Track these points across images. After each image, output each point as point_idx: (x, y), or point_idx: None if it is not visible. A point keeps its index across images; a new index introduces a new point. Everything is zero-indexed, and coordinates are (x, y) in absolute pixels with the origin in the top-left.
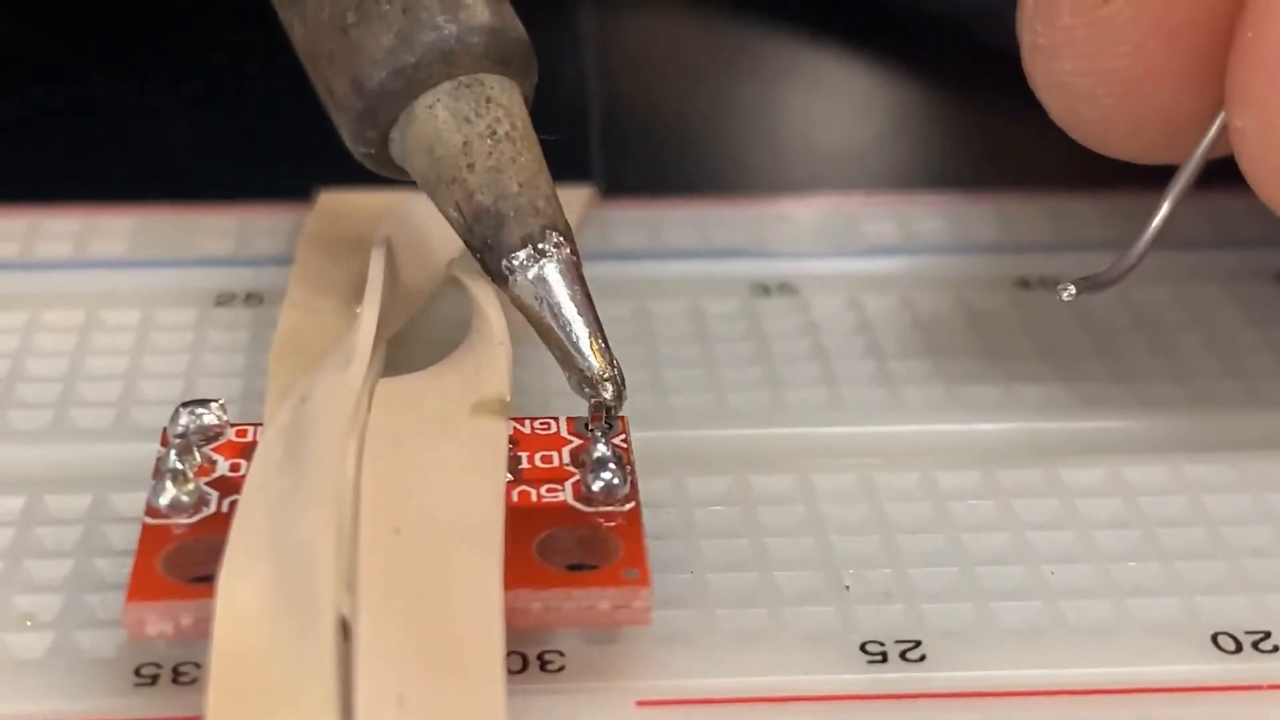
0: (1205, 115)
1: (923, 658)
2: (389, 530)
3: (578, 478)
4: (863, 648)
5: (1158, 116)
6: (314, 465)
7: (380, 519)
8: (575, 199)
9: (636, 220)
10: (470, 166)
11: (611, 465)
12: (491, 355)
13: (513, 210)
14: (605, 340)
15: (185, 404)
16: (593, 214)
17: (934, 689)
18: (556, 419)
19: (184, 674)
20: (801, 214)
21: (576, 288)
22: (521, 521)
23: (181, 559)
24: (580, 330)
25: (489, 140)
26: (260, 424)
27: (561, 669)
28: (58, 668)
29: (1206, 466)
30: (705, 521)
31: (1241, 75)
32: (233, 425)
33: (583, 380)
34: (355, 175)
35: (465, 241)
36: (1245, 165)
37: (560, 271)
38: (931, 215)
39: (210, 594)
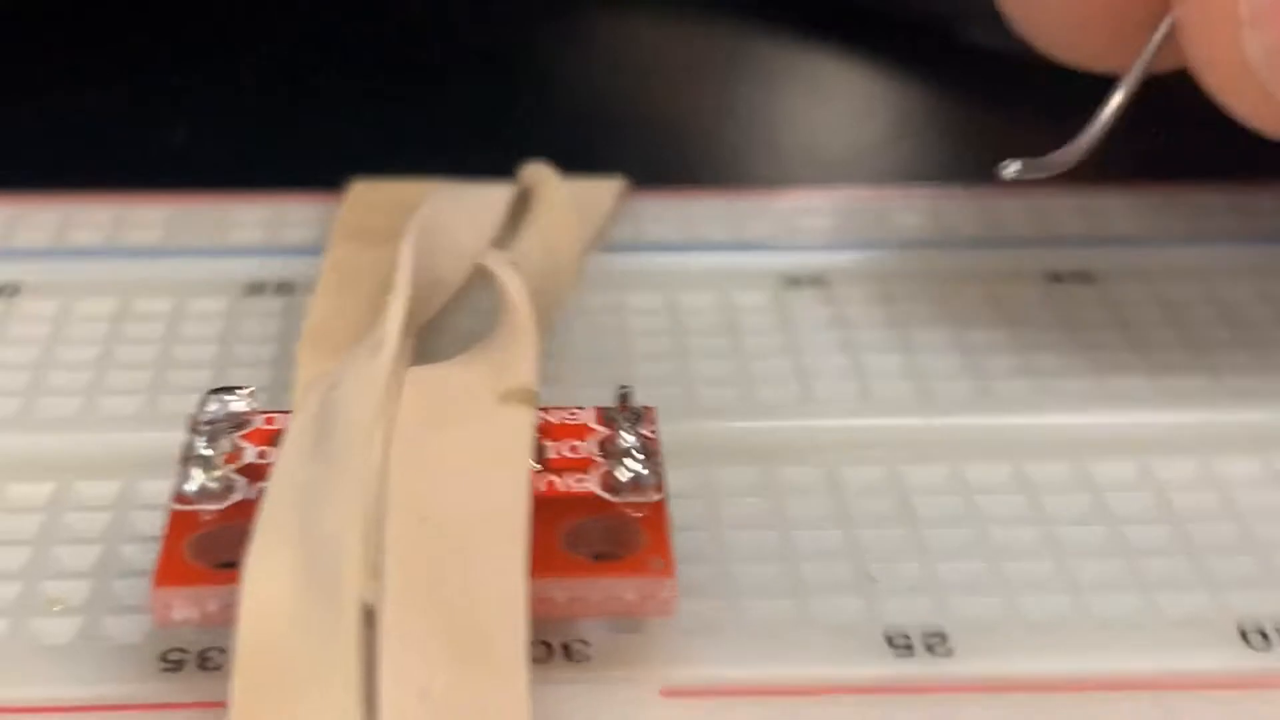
0: (1155, 16)
1: (949, 650)
2: (415, 519)
3: (606, 468)
4: (888, 639)
5: (1107, 15)
6: (342, 453)
7: (407, 507)
8: (606, 191)
9: (667, 211)
10: None
11: (639, 456)
12: (519, 345)
13: None
14: None
15: (213, 391)
16: (624, 205)
17: (960, 681)
18: (584, 409)
19: (210, 660)
20: (830, 206)
21: None
22: (548, 511)
23: (208, 545)
24: None
25: None
26: (289, 412)
27: (587, 658)
28: (85, 653)
29: (1235, 460)
30: (732, 513)
31: None
32: (261, 412)
33: None
34: (386, 165)
35: None
36: (1189, 56)
37: None
38: (962, 208)
39: (237, 580)
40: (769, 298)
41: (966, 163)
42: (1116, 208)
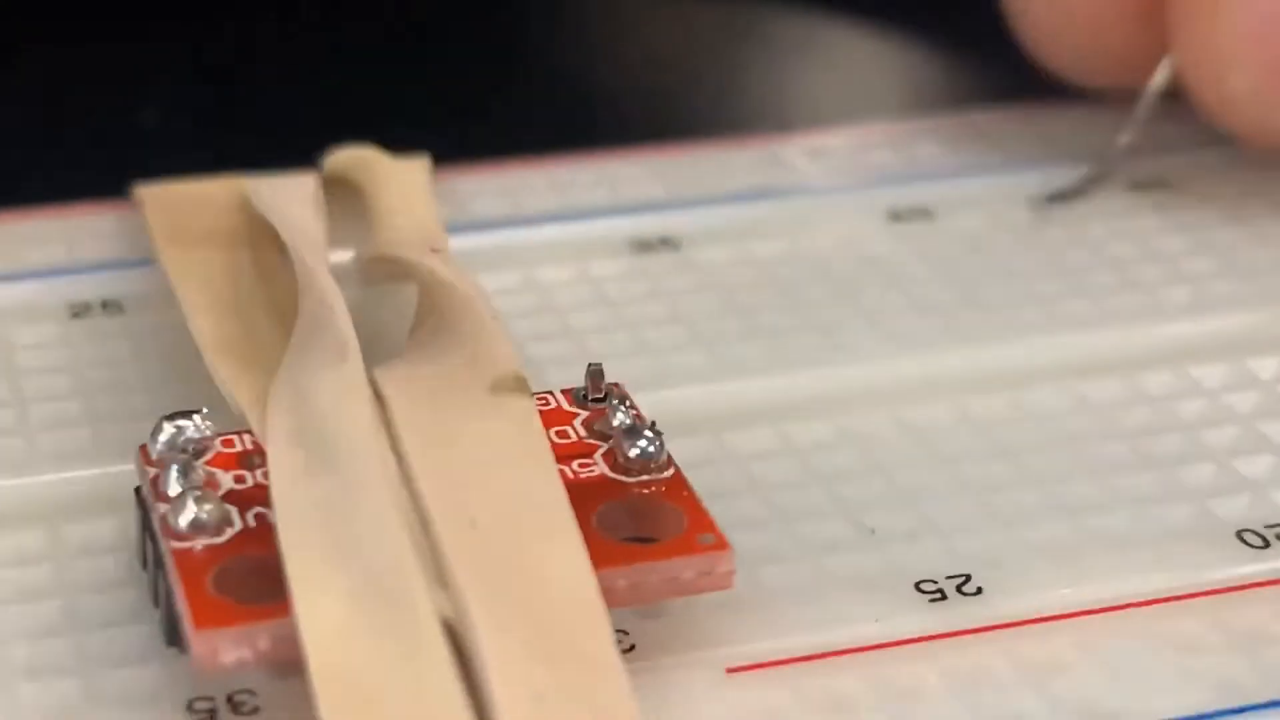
0: (1161, 49)
1: (979, 590)
2: (464, 525)
3: (604, 448)
4: (918, 587)
5: (1115, 52)
6: (355, 467)
7: (452, 514)
8: (421, 170)
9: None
10: None
11: (647, 432)
12: (487, 332)
13: None
14: None
15: (167, 418)
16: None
17: (1002, 619)
18: (551, 393)
19: (243, 704)
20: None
21: None
22: (572, 500)
23: (229, 581)
24: None
25: None
26: (244, 431)
27: (632, 648)
28: (105, 716)
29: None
30: (712, 483)
31: (1170, 13)
32: (217, 435)
33: None
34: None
35: None
36: (1188, 89)
37: None
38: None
39: (285, 613)
40: (624, 265)
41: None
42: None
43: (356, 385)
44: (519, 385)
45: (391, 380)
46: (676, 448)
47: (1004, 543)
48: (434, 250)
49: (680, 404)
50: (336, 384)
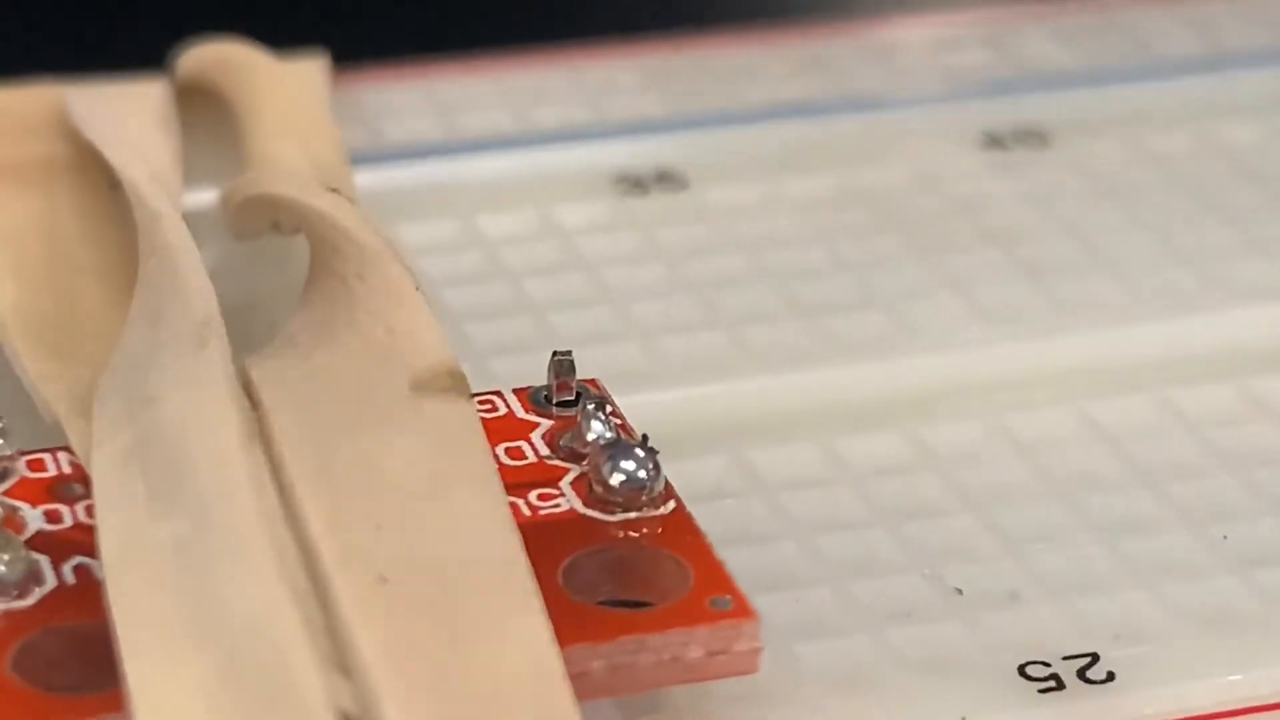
0: None
1: (1109, 675)
2: (371, 581)
3: (576, 473)
4: (1022, 672)
5: None
6: (217, 501)
7: (355, 568)
8: (315, 73)
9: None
10: None
11: (637, 450)
12: (407, 306)
13: None
14: None
15: None
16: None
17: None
18: (499, 393)
19: None
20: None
21: None
22: (529, 547)
23: (35, 660)
24: None
25: None
26: (60, 448)
27: None
28: None
29: None
30: (724, 515)
31: None
32: (22, 454)
33: None
34: None
35: None
36: None
37: None
38: None
39: (115, 706)
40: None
41: None
42: None
43: (219, 382)
44: (452, 382)
45: (270, 375)
46: (678, 472)
47: (1146, 608)
48: (332, 190)
49: (684, 409)
50: (191, 381)
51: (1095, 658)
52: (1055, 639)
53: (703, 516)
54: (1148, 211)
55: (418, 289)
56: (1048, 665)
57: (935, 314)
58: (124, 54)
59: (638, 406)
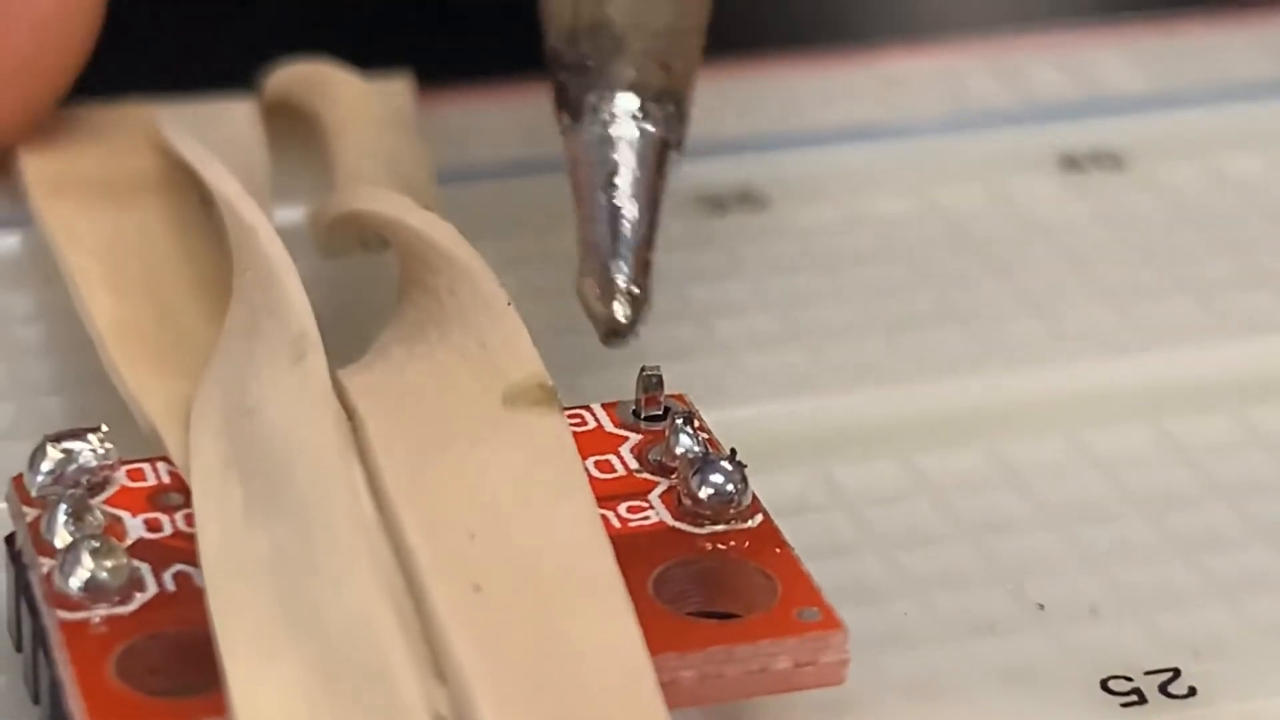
0: None
1: (1191, 690)
2: (466, 590)
3: (664, 486)
4: (1105, 686)
5: None
6: (315, 510)
7: (450, 576)
8: (400, 94)
9: None
10: None
11: (724, 464)
12: (499, 321)
13: (641, 48)
14: (649, 252)
15: (51, 438)
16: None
17: None
18: (590, 407)
19: None
20: None
21: (654, 178)
22: (620, 558)
23: (137, 665)
24: (626, 224)
25: None
26: (159, 458)
27: None
28: None
29: None
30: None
31: None
32: (124, 464)
33: (595, 287)
34: None
35: (550, 50)
36: None
37: (647, 147)
38: None
39: (217, 711)
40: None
41: None
42: None
43: (316, 394)
44: (544, 396)
45: (365, 387)
46: (765, 486)
47: (1228, 623)
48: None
49: (770, 424)
50: (289, 392)
51: (1177, 673)
52: (1136, 654)
53: (787, 530)
54: (1225, 233)
55: (509, 304)
56: (1130, 680)
57: (1012, 329)
58: (214, 75)
59: (726, 421)
